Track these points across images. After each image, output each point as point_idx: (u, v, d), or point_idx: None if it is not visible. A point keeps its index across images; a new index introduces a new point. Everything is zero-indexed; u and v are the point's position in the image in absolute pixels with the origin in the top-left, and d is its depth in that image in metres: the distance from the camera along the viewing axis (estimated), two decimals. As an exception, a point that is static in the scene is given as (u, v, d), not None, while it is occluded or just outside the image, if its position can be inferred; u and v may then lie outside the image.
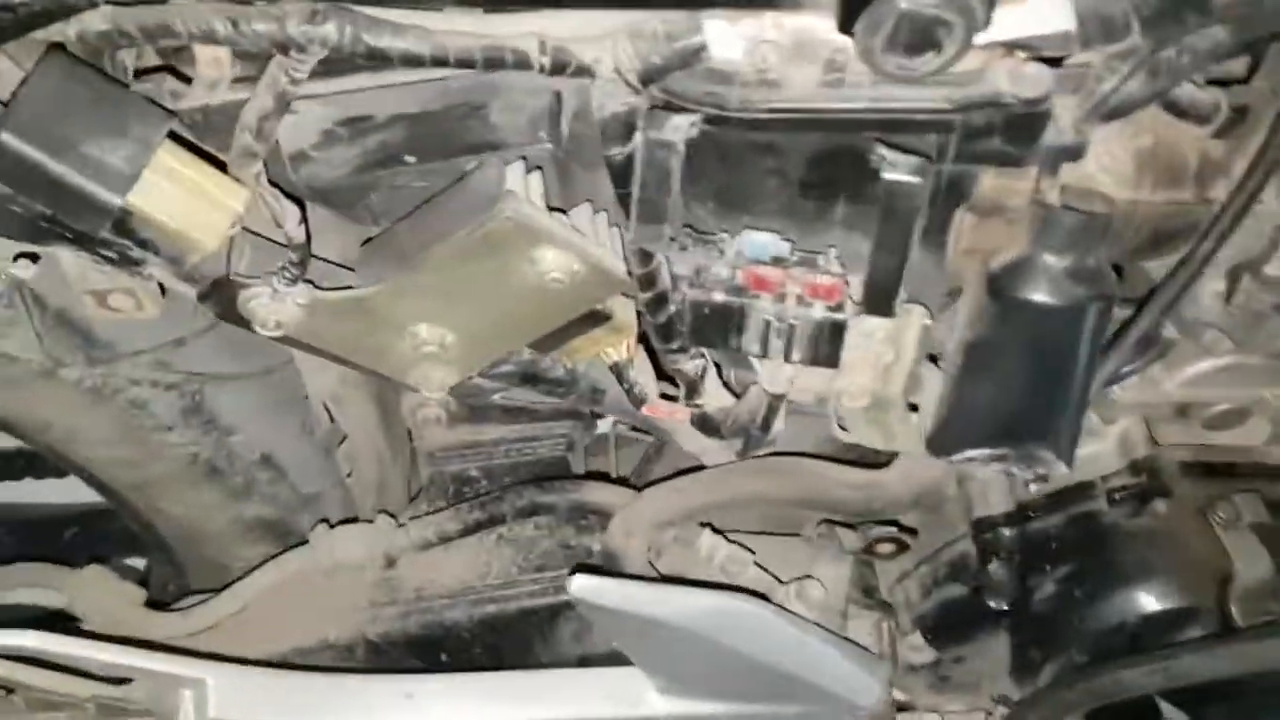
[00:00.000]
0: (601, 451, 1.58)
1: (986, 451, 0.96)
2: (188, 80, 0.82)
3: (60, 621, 1.30)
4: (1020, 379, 0.92)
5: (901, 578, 1.33)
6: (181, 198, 0.83)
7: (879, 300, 0.86)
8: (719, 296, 0.89)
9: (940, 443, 0.97)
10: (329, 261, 0.99)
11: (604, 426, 1.51)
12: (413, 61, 0.77)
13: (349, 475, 1.33)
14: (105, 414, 1.20)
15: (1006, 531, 1.27)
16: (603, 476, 1.39)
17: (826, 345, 0.89)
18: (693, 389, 1.06)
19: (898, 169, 0.78)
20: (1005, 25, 0.77)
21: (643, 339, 1.07)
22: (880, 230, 0.81)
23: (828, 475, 1.14)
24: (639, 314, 1.03)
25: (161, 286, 0.98)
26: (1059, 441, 0.95)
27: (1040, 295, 0.87)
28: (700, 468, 1.22)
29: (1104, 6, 0.79)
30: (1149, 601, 1.13)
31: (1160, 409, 1.23)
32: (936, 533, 1.30)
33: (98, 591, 1.30)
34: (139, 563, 1.65)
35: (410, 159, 0.83)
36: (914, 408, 1.01)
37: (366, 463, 1.30)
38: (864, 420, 1.00)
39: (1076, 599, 1.17)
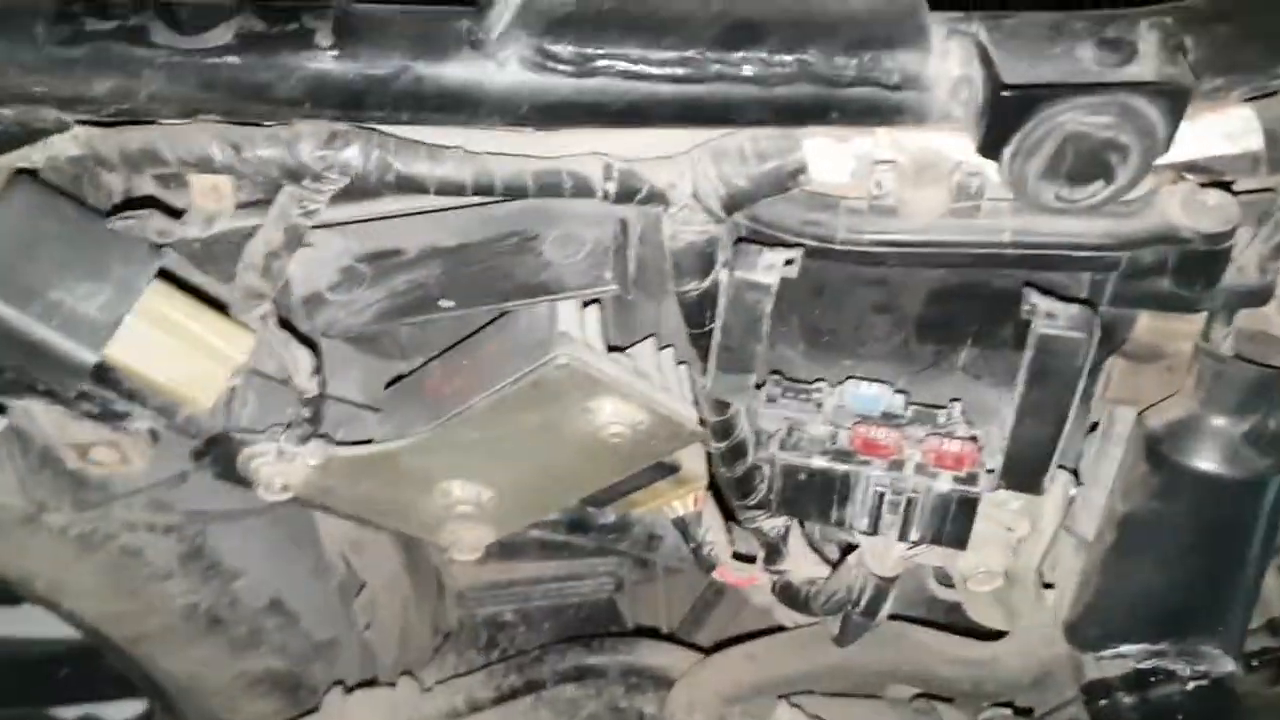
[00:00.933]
0: (647, 579, 1.41)
1: (1142, 648, 0.79)
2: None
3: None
4: (1184, 561, 0.76)
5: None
6: (172, 347, 0.69)
7: (1026, 477, 0.70)
8: (818, 462, 0.73)
9: (1084, 635, 0.80)
10: (347, 401, 0.84)
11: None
12: (452, 189, 0.63)
13: (367, 628, 1.17)
14: (95, 564, 1.05)
15: (1125, 699, 1.10)
16: (653, 631, 1.22)
17: (954, 524, 0.73)
18: (774, 552, 0.90)
19: (1057, 322, 0.62)
20: (1179, 143, 0.62)
21: (713, 486, 0.92)
22: (1029, 393, 0.66)
23: (933, 648, 0.97)
24: (709, 462, 0.87)
25: (153, 431, 0.84)
26: (1228, 635, 0.78)
27: (1211, 464, 0.72)
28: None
29: (1300, 120, 0.64)
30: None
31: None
32: (1040, 694, 1.13)
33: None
34: (137, 707, 1.49)
35: (447, 303, 0.69)
36: (1047, 584, 0.85)
37: (388, 612, 1.15)
38: (985, 597, 0.84)
39: (1209, 784, 0.99)
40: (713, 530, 0.93)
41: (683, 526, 0.93)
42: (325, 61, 0.59)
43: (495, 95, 0.60)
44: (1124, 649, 0.79)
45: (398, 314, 0.69)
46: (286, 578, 1.17)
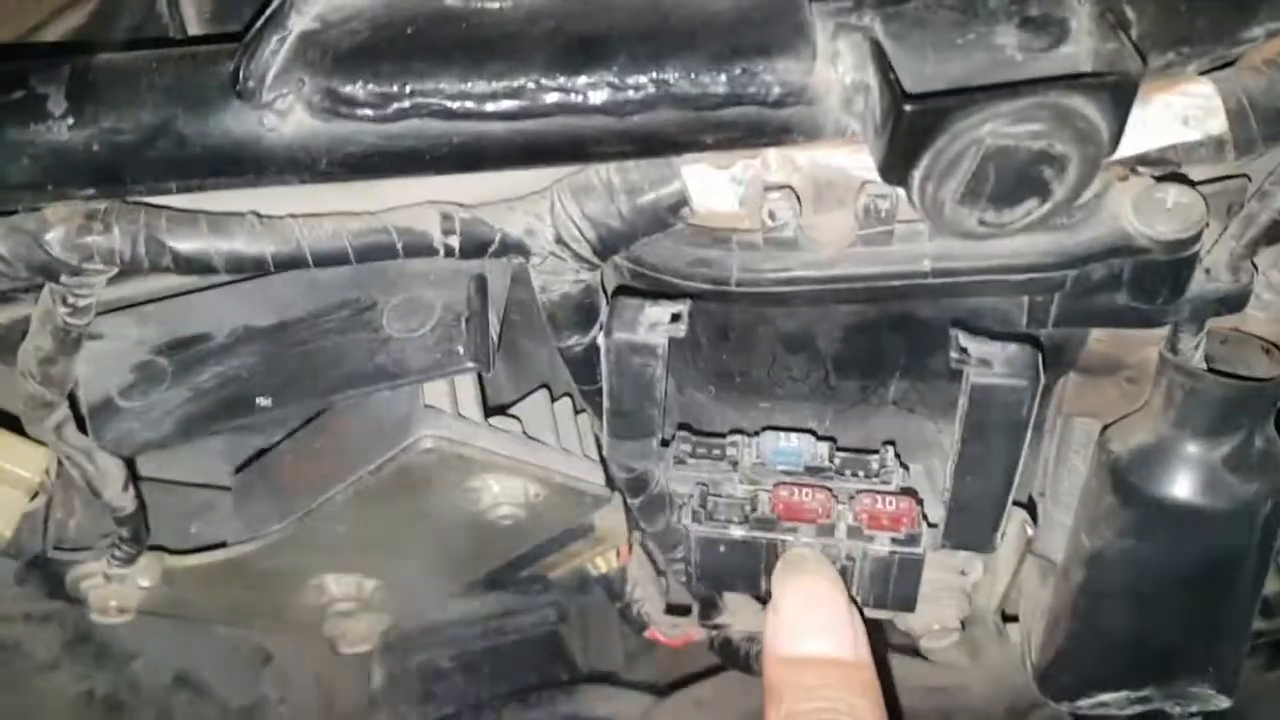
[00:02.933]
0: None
1: (1124, 695, 0.69)
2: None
3: None
4: (1165, 600, 0.66)
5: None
6: (-49, 475, 0.57)
7: (974, 536, 0.60)
8: (737, 533, 0.62)
9: (1058, 684, 0.71)
10: (199, 486, 0.73)
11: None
12: (249, 266, 0.51)
13: (281, 702, 1.07)
14: (-32, 665, 0.95)
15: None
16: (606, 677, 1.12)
17: (898, 586, 0.62)
18: (709, 606, 0.80)
19: (993, 370, 0.52)
20: (1127, 134, 0.51)
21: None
22: (968, 448, 0.55)
23: (898, 676, 0.87)
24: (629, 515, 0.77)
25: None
26: (1222, 672, 0.69)
27: (1188, 494, 0.61)
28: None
29: (1269, 95, 0.53)
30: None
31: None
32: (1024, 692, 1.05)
33: None
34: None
35: (264, 402, 0.56)
36: (1009, 617, 0.75)
37: (302, 685, 1.04)
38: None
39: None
40: (641, 586, 0.83)
41: (608, 585, 0.83)
42: (61, 132, 0.47)
43: (280, 151, 0.48)
44: (1103, 697, 0.70)
45: (207, 420, 0.56)
46: (188, 649, 1.06)
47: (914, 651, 0.90)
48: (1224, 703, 0.70)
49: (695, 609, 0.82)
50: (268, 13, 0.47)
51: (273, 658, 1.04)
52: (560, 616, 1.20)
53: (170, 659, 1.07)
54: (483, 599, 1.16)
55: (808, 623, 0.58)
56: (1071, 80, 0.45)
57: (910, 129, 0.45)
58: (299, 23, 0.47)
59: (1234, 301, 0.57)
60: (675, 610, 0.84)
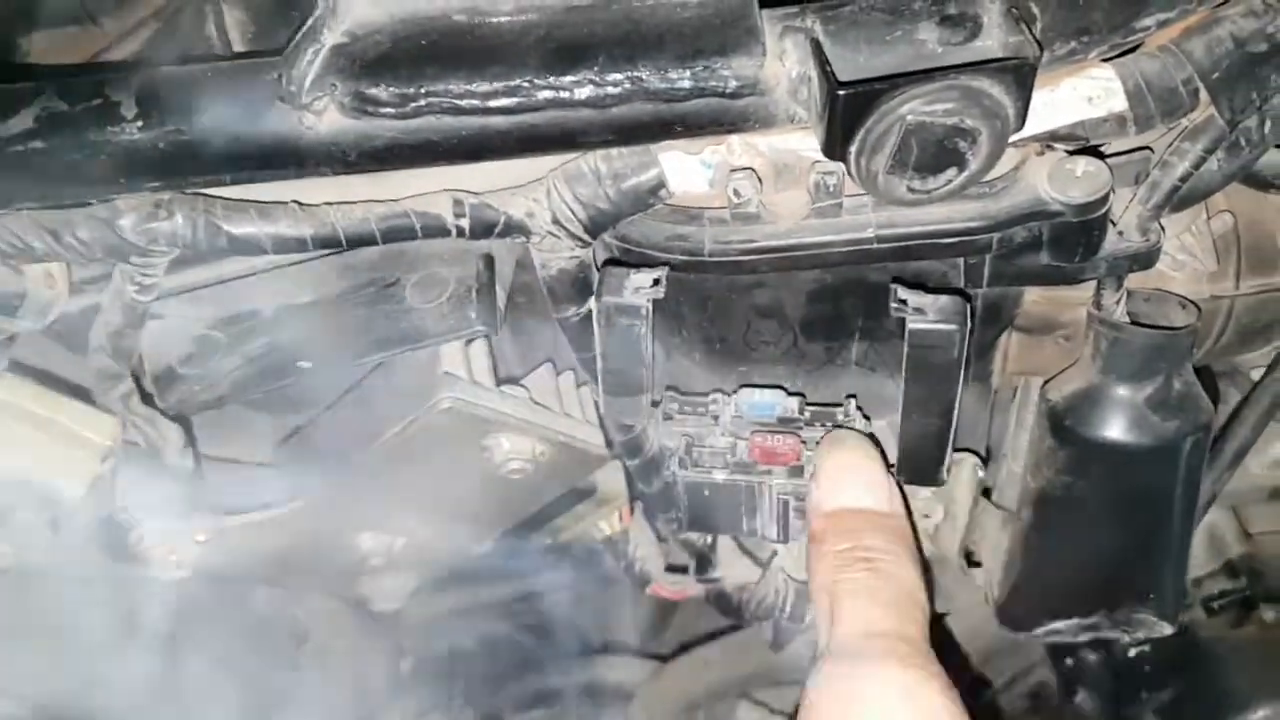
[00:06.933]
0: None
1: (1074, 623, 0.77)
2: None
3: None
4: (1105, 532, 0.74)
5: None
6: (35, 440, 0.66)
7: (922, 470, 0.68)
8: (719, 476, 0.71)
9: (1015, 616, 0.79)
10: (242, 462, 0.82)
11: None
12: (292, 246, 0.60)
13: (320, 677, 1.14)
14: (28, 648, 1.02)
15: (1091, 655, 1.09)
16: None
17: (860, 523, 0.71)
18: (704, 561, 0.88)
19: (926, 316, 0.60)
20: (1038, 113, 0.60)
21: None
22: (911, 389, 0.63)
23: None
24: (628, 479, 0.85)
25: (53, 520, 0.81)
26: (1162, 600, 0.76)
27: (1117, 434, 0.69)
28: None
29: (1162, 76, 0.61)
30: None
31: (1248, 495, 1.05)
32: (1008, 657, 1.12)
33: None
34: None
35: (305, 364, 0.66)
36: (975, 562, 0.83)
37: (338, 661, 1.12)
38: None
39: (1185, 732, 0.99)
40: (642, 546, 0.91)
41: (613, 546, 0.91)
42: (132, 133, 0.56)
43: (317, 146, 0.57)
44: (1056, 625, 0.77)
45: (256, 381, 0.66)
46: (229, 634, 1.14)
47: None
48: (1167, 629, 0.78)
49: (692, 566, 0.90)
50: (304, 29, 0.56)
51: (308, 638, 1.12)
52: (575, 599, 1.29)
53: (212, 643, 1.15)
54: (502, 586, 1.24)
55: (847, 482, 0.65)
56: (978, 66, 0.54)
57: (844, 111, 0.53)
58: (331, 37, 0.56)
59: (1145, 259, 0.65)
60: (674, 569, 0.92)
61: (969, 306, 0.60)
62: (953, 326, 0.60)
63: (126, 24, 0.75)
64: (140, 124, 0.56)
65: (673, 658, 1.09)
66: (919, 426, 0.65)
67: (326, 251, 0.65)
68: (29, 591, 0.97)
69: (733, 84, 0.56)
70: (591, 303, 0.69)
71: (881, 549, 0.62)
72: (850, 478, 0.66)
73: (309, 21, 0.56)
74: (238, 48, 0.70)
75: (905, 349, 0.61)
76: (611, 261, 0.66)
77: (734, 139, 0.62)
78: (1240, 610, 1.07)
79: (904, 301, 0.60)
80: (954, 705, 0.56)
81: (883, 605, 0.60)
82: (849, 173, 0.57)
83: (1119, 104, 0.62)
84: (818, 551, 0.63)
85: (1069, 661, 1.13)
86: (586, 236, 0.65)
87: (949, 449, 0.66)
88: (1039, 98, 0.59)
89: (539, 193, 0.64)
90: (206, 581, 1.09)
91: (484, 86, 0.56)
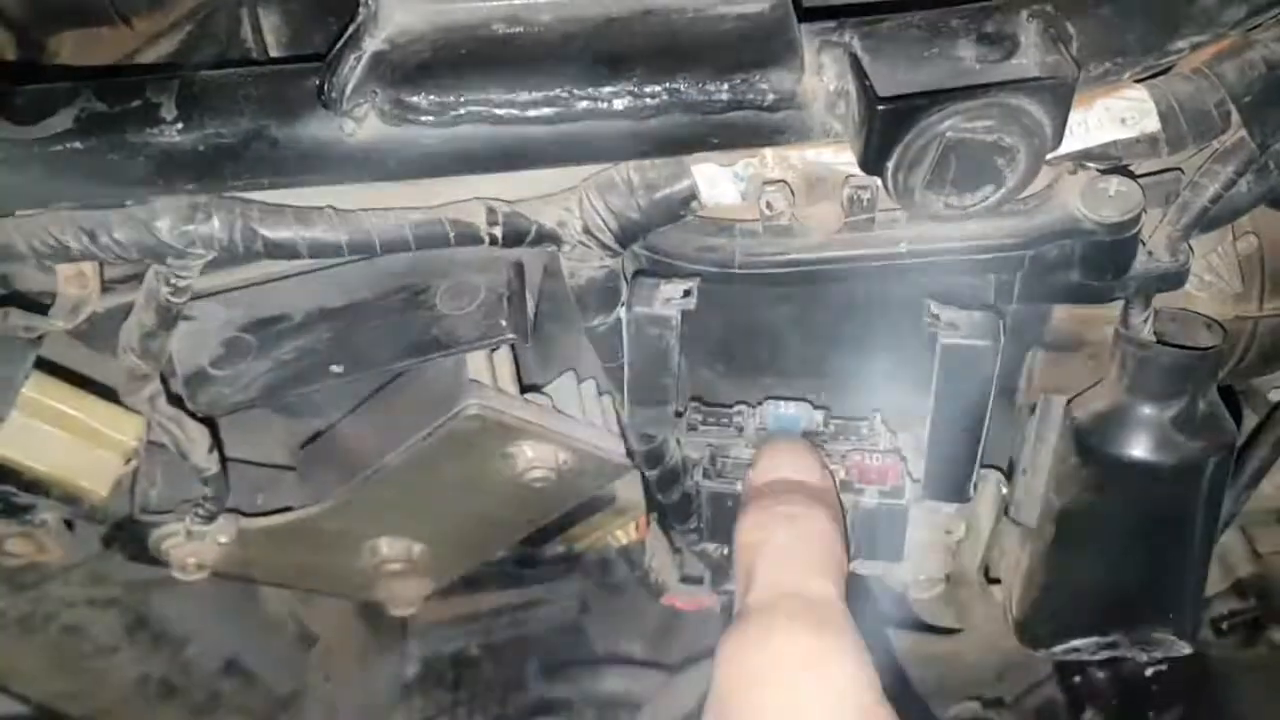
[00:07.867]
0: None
1: (1093, 640, 0.77)
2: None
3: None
4: (1127, 551, 0.74)
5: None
6: (60, 439, 0.67)
7: (949, 486, 0.68)
8: (743, 488, 0.71)
9: (1034, 633, 0.79)
10: (264, 465, 0.82)
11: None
12: (328, 251, 0.61)
13: (327, 680, 1.15)
14: (38, 645, 1.02)
15: (1099, 673, 1.09)
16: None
17: (885, 537, 0.71)
18: (720, 572, 0.88)
19: (959, 331, 0.60)
20: (1072, 132, 0.60)
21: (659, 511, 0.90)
22: (941, 405, 0.64)
23: (894, 646, 0.95)
24: (646, 489, 0.85)
25: (67, 520, 0.81)
26: (1180, 619, 0.76)
27: (1142, 452, 0.70)
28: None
29: (1195, 99, 0.62)
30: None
31: (1257, 515, 1.05)
32: (1016, 675, 1.12)
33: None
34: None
35: (337, 369, 0.66)
36: (994, 579, 0.83)
37: (345, 661, 1.12)
38: (934, 600, 0.82)
39: (1192, 756, 0.99)
40: (658, 556, 0.91)
41: (628, 555, 0.91)
42: (172, 135, 0.56)
43: (356, 152, 0.57)
44: (1075, 643, 0.77)
45: (287, 385, 0.66)
46: (239, 637, 1.15)
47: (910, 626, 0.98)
48: (1185, 649, 0.78)
49: (707, 578, 0.90)
50: (346, 36, 0.56)
51: (317, 641, 1.12)
52: (582, 607, 1.29)
53: (221, 646, 1.15)
54: (509, 593, 1.25)
55: (776, 461, 0.68)
56: (1017, 83, 0.54)
57: (883, 126, 0.54)
58: (372, 45, 0.56)
59: (1174, 278, 0.66)
60: (689, 580, 0.92)
61: (1001, 323, 0.61)
62: (986, 342, 0.60)
63: (158, 26, 0.75)
64: (180, 126, 0.56)
65: (682, 668, 1.09)
66: (948, 442, 0.65)
67: (357, 257, 0.65)
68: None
69: (770, 97, 0.57)
70: (619, 312, 0.69)
71: (803, 509, 0.62)
72: (785, 458, 0.68)
73: (350, 28, 0.56)
74: (273, 52, 0.71)
75: (936, 364, 0.62)
76: (641, 272, 0.66)
77: (768, 152, 0.62)
78: (1249, 630, 1.07)
79: (937, 316, 0.60)
80: (861, 673, 0.56)
81: (801, 562, 0.60)
82: (885, 187, 0.57)
83: (1152, 125, 0.62)
84: (742, 515, 0.64)
85: (1076, 680, 1.13)
86: (617, 246, 0.65)
87: (977, 465, 0.66)
88: (1073, 117, 0.59)
89: (570, 202, 0.64)
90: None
91: (523, 96, 0.56)
